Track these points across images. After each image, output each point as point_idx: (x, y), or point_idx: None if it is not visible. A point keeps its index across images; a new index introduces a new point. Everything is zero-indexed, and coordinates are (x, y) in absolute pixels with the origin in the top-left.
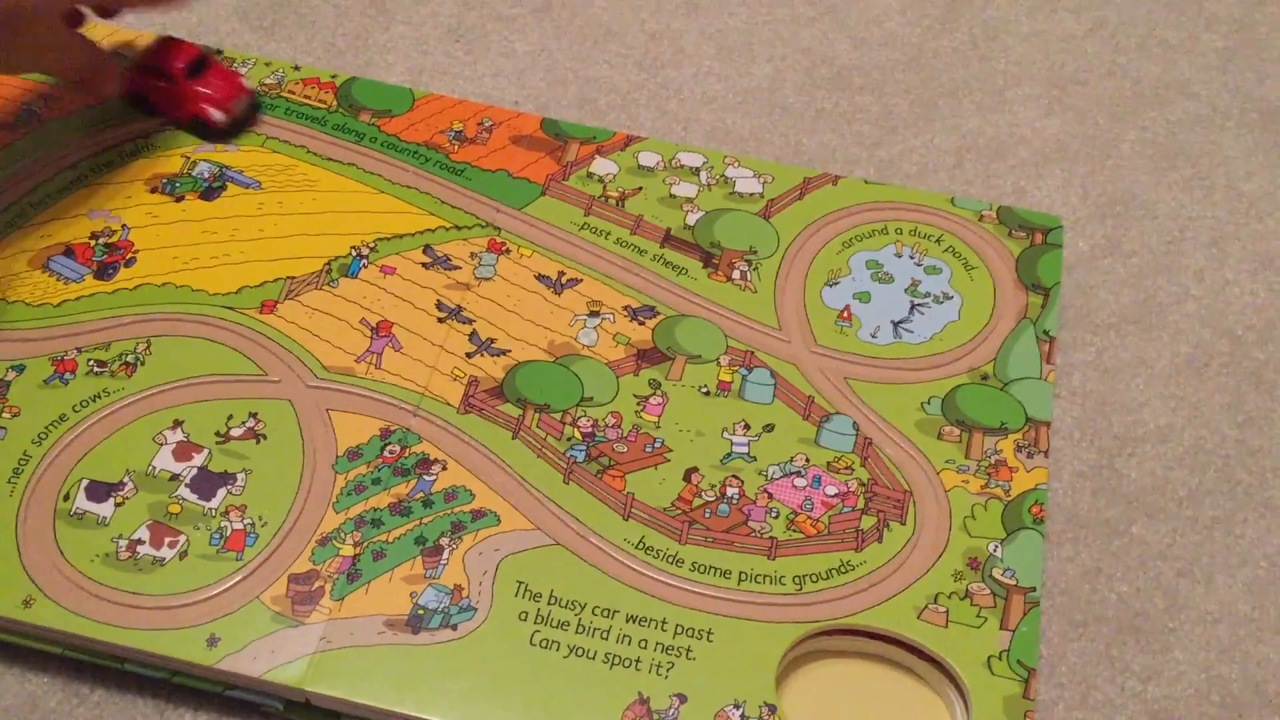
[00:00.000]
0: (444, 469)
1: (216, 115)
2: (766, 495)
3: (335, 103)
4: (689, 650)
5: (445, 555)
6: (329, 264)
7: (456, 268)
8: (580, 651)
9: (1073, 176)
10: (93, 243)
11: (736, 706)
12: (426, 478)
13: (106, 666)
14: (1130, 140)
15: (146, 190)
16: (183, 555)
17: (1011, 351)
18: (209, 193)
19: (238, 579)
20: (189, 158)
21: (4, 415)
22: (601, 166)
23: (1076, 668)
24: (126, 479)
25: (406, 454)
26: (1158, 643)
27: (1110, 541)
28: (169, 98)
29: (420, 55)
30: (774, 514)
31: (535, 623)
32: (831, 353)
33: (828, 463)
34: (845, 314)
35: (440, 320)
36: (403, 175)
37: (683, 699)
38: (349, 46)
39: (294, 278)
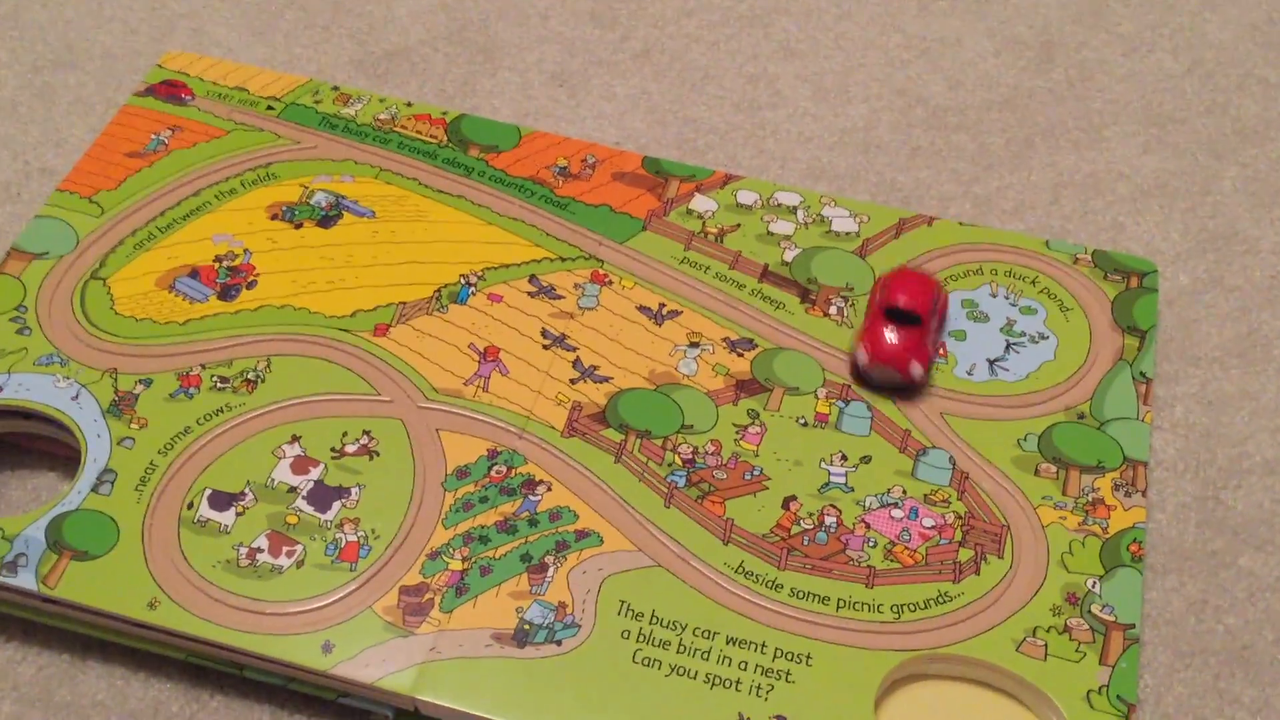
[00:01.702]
0: (549, 490)
1: (916, 371)
2: (864, 525)
3: (445, 138)
4: (788, 673)
5: (550, 573)
6: (439, 291)
7: (561, 297)
8: (681, 671)
9: (1172, 212)
10: (217, 265)
11: None
12: (532, 498)
13: (226, 673)
14: (1230, 177)
15: (267, 217)
16: (300, 564)
17: (1108, 392)
18: (326, 220)
19: (352, 588)
20: (307, 187)
21: (133, 426)
22: (701, 204)
23: (1184, 699)
24: (247, 490)
25: (513, 474)
26: (1267, 674)
27: (1217, 573)
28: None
29: (525, 99)
30: (871, 543)
31: (637, 641)
32: (928, 388)
33: (925, 495)
34: (941, 351)
35: (545, 347)
36: (510, 208)
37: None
38: (457, 91)
39: (406, 303)
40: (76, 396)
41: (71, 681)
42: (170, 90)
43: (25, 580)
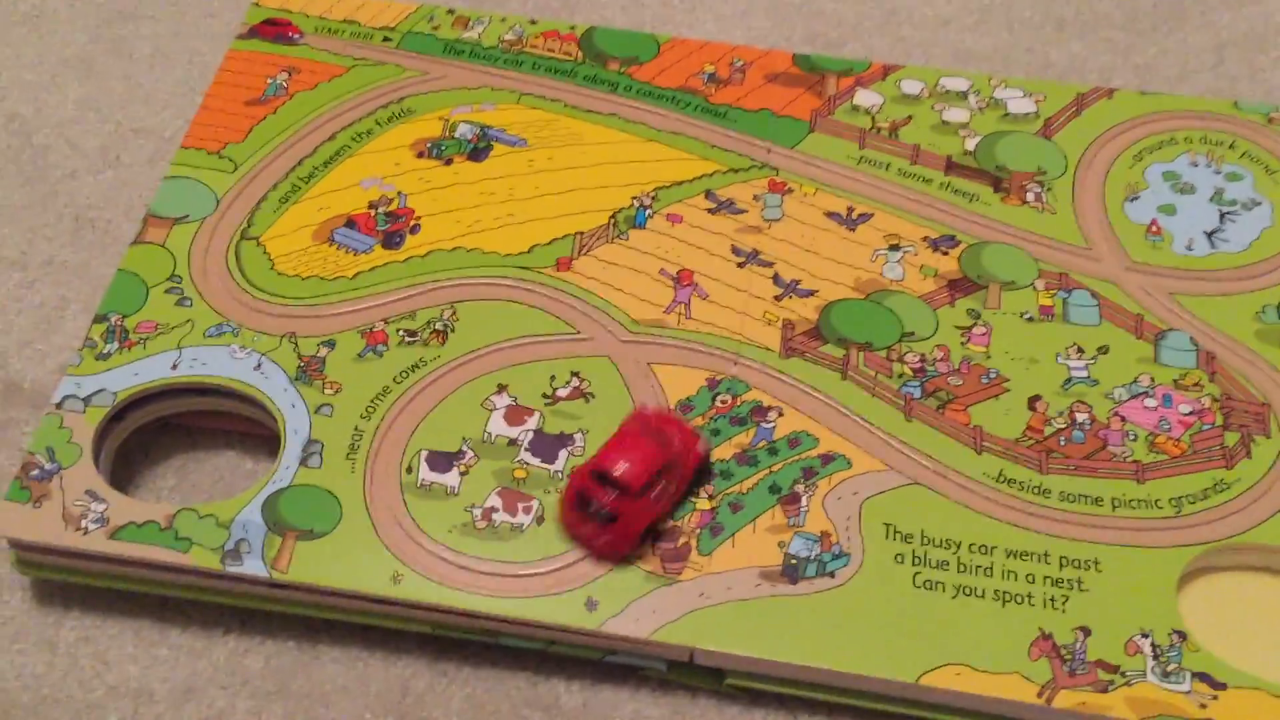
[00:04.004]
0: (780, 415)
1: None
2: (1119, 418)
3: (580, 54)
4: (1079, 582)
5: (804, 502)
6: (614, 216)
7: (743, 211)
8: (968, 591)
9: None
10: (372, 212)
11: (1145, 636)
12: (765, 425)
13: (471, 641)
14: None
15: (413, 155)
16: (539, 520)
17: None
18: (476, 153)
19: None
20: (448, 120)
21: (327, 392)
22: (865, 98)
23: None
24: (465, 447)
25: (739, 403)
26: None
27: None
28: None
29: (637, 8)
30: (1131, 437)
31: (913, 564)
32: (1149, 269)
33: (1174, 380)
34: (1154, 228)
35: (739, 265)
36: (666, 121)
37: (1086, 632)
38: (563, 7)
39: (583, 233)
40: (259, 366)
41: (305, 669)
42: (276, 29)
43: (253, 567)
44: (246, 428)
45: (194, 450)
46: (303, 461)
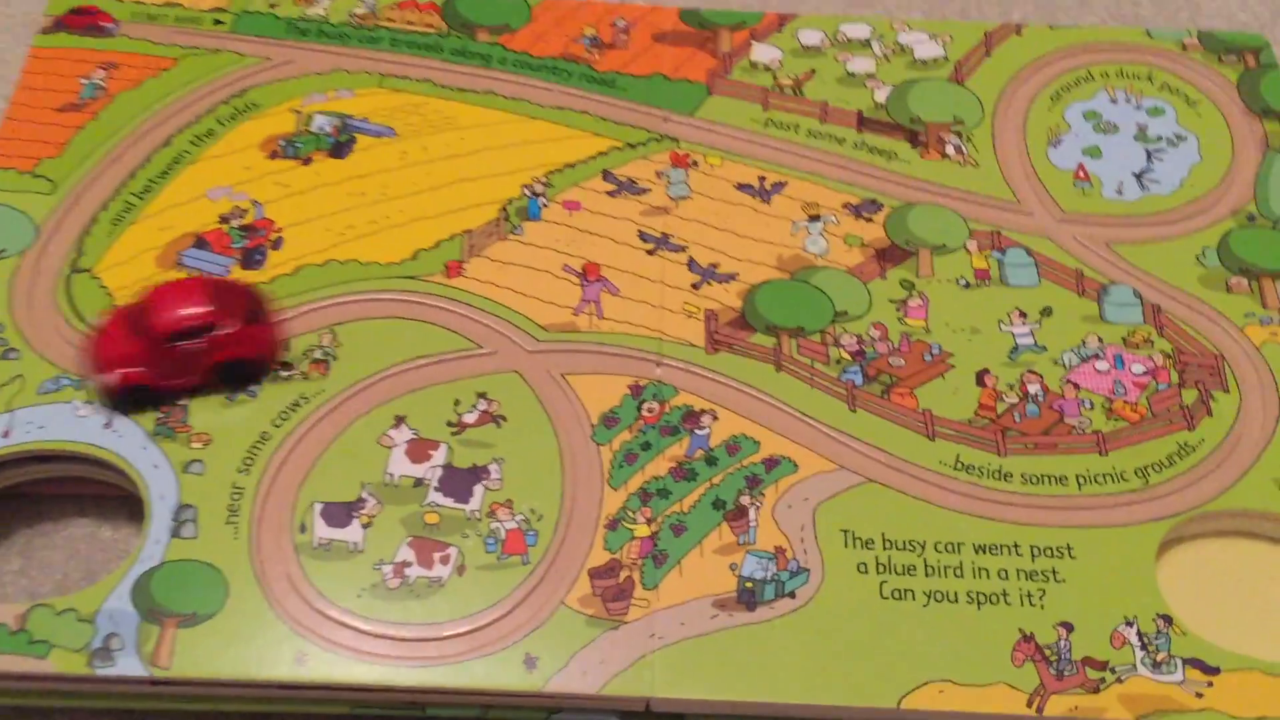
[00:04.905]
0: (715, 419)
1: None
2: (1072, 386)
3: (444, 25)
4: (1054, 572)
5: (752, 515)
6: (504, 209)
7: (646, 190)
8: (939, 596)
9: None
10: (225, 227)
11: (1129, 624)
12: (699, 432)
13: (395, 717)
14: None
15: (265, 157)
16: (460, 570)
17: (1268, 185)
18: (338, 149)
19: (533, 585)
20: (300, 112)
21: (194, 446)
22: (763, 53)
23: None
24: (365, 494)
25: (667, 409)
26: None
27: None
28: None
29: None
30: (1088, 405)
31: (879, 573)
32: (1082, 218)
33: (1123, 339)
34: (1081, 173)
35: (649, 253)
36: (549, 96)
37: (1069, 627)
38: None
39: (471, 231)
40: (109, 423)
41: None
42: (84, 20)
43: (128, 666)
44: (98, 489)
45: (39, 522)
46: (174, 532)
